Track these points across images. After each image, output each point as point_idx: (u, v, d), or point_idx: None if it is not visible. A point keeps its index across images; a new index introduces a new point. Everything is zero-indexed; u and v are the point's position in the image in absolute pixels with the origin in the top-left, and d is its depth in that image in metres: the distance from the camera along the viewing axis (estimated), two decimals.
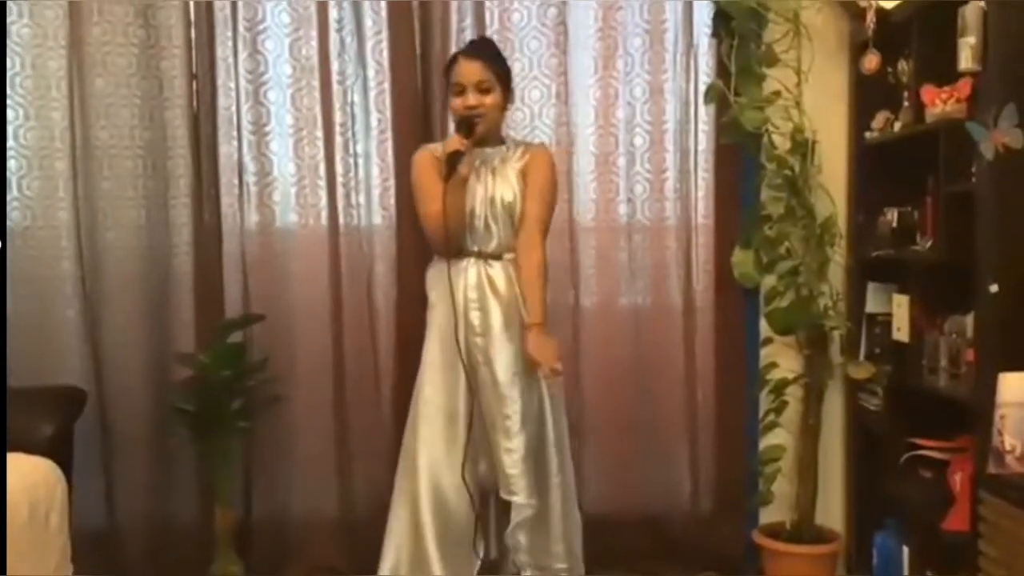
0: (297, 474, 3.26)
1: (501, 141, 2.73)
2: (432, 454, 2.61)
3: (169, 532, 3.21)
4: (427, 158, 2.69)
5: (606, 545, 3.01)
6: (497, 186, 2.64)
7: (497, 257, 2.65)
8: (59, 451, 2.70)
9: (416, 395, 2.68)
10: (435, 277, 2.68)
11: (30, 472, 2.49)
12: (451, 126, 3.08)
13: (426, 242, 2.91)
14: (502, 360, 2.58)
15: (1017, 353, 2.30)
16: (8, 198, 3.08)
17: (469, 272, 2.63)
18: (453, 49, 3.13)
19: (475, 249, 2.64)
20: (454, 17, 3.18)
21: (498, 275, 2.63)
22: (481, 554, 2.66)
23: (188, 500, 3.23)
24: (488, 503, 2.71)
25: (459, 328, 2.59)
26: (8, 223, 3.05)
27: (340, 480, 3.25)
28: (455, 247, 2.62)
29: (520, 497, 2.55)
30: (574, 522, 2.74)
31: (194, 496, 3.23)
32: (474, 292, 2.61)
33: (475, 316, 2.60)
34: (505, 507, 2.62)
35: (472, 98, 2.59)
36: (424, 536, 2.59)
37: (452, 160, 2.54)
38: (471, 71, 2.61)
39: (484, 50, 2.69)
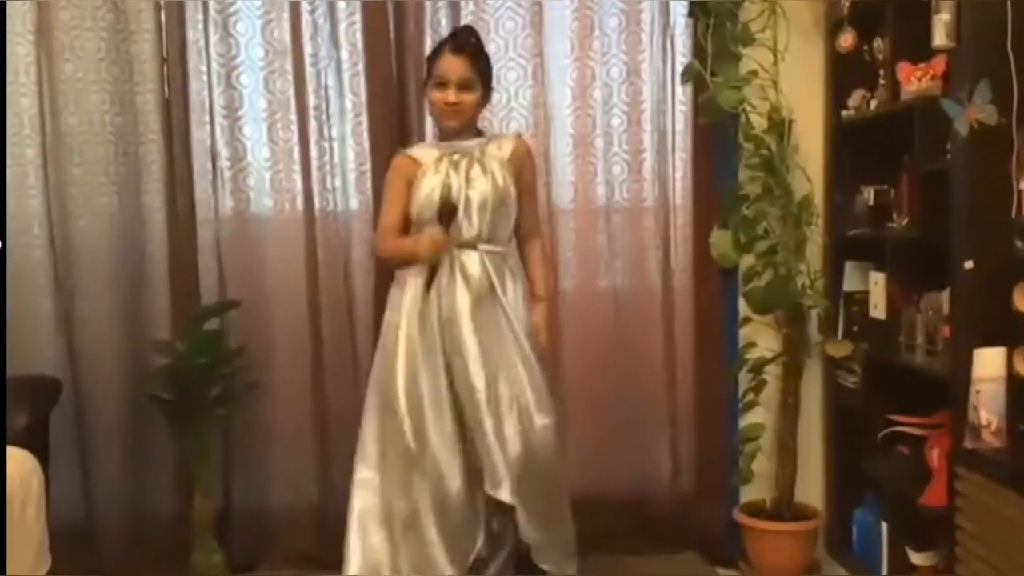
0: (276, 462, 3.25)
1: (476, 133, 2.73)
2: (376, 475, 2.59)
3: (147, 522, 3.19)
4: (401, 163, 2.69)
5: (587, 525, 3.01)
6: (478, 179, 2.62)
7: (472, 247, 2.63)
8: (35, 441, 2.66)
9: (380, 391, 2.62)
10: (407, 270, 2.64)
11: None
12: (428, 114, 3.08)
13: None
14: (471, 349, 2.56)
15: (992, 329, 2.31)
16: None
17: (444, 261, 2.59)
18: (428, 30, 3.13)
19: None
20: None
21: (472, 264, 2.61)
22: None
23: (166, 489, 3.21)
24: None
25: (432, 318, 2.57)
26: None
27: (319, 467, 3.23)
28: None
29: (504, 494, 2.55)
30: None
31: (172, 485, 3.20)
32: (445, 279, 2.59)
33: (445, 304, 2.58)
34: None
35: (453, 95, 2.60)
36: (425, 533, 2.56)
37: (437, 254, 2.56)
38: (456, 68, 2.61)
39: (470, 46, 2.67)
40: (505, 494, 2.55)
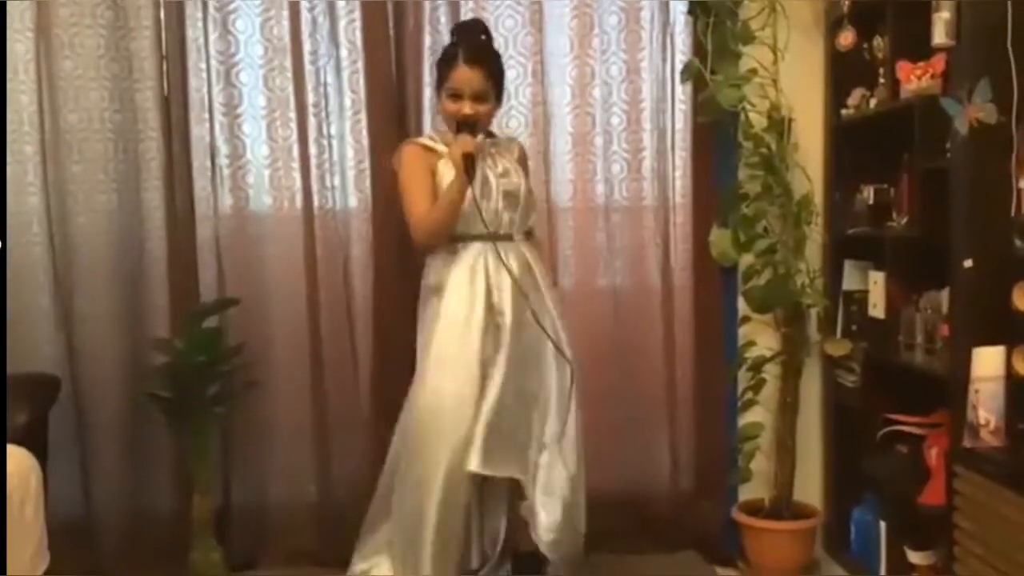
0: (275, 460, 3.25)
1: (488, 134, 2.75)
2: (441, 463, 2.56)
3: (146, 520, 3.18)
4: (416, 152, 2.67)
5: (586, 524, 3.01)
6: (501, 173, 2.66)
7: (509, 238, 2.65)
8: (33, 439, 2.65)
9: (423, 391, 2.61)
10: (447, 263, 2.64)
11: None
12: (427, 112, 3.10)
13: (403, 223, 2.90)
14: (513, 341, 2.58)
15: (991, 328, 2.31)
16: None
17: (488, 255, 2.61)
18: (427, 28, 3.12)
19: (488, 232, 2.61)
20: None
21: (516, 256, 2.64)
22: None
23: (165, 487, 3.20)
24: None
25: (479, 311, 2.58)
26: None
27: (318, 465, 3.23)
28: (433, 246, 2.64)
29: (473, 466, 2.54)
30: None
31: (171, 483, 3.20)
32: (494, 275, 2.61)
33: (495, 296, 2.59)
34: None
35: (468, 107, 2.61)
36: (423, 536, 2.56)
37: (469, 162, 2.52)
38: (472, 80, 2.61)
39: (483, 53, 2.67)
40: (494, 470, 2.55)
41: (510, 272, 2.59)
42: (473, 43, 2.67)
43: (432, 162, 2.65)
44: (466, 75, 2.60)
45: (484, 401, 2.54)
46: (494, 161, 2.68)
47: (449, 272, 2.62)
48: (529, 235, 2.78)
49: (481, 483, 2.68)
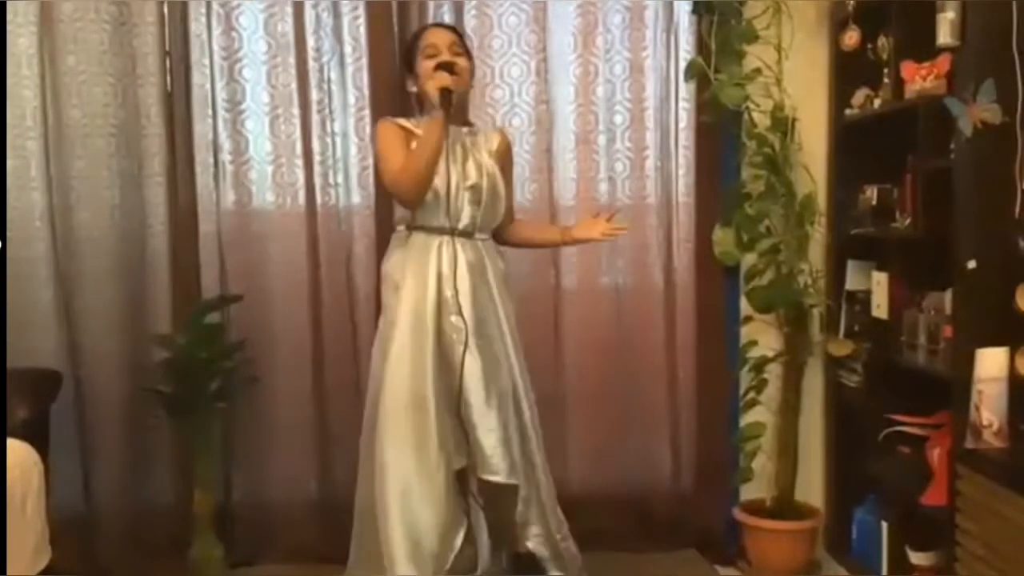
0: (276, 456, 3.25)
1: (465, 122, 2.71)
2: (402, 454, 2.53)
3: (147, 515, 3.18)
4: (391, 125, 2.65)
5: (588, 523, 3.01)
6: (472, 166, 2.62)
7: (469, 235, 2.62)
8: (35, 434, 2.66)
9: (379, 389, 2.58)
10: (404, 257, 2.61)
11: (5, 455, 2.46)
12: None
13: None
14: (471, 335, 2.54)
15: (995, 329, 2.31)
16: None
17: (443, 249, 2.58)
18: None
19: (448, 226, 2.59)
20: None
21: (471, 253, 2.61)
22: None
23: (166, 483, 3.21)
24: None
25: (430, 305, 2.55)
26: None
27: (320, 462, 3.23)
28: (421, 201, 2.57)
29: (500, 476, 2.53)
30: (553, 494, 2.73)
31: (172, 479, 3.20)
32: (448, 269, 2.57)
33: (448, 294, 2.57)
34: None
35: (447, 55, 2.57)
36: (392, 540, 2.51)
37: (445, 96, 2.50)
38: (445, 37, 2.63)
39: (455, 28, 2.70)
40: (503, 476, 2.53)
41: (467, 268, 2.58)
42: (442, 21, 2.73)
43: (408, 140, 2.60)
44: (439, 33, 2.65)
45: (477, 408, 2.53)
46: (465, 153, 2.64)
47: (406, 266, 2.59)
48: (505, 224, 2.74)
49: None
